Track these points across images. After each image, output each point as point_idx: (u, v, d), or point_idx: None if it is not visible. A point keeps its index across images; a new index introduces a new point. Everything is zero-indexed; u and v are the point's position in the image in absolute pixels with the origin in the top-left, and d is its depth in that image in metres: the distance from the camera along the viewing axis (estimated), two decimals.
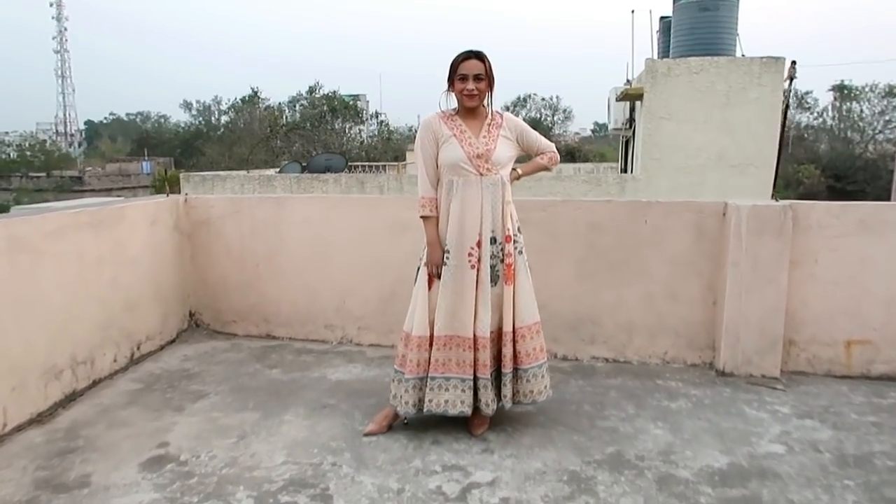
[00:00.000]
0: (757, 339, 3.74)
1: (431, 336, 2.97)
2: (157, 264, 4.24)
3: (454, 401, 2.96)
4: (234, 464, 2.82)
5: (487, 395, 2.99)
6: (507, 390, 3.03)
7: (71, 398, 3.46)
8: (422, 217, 3.00)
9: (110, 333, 3.78)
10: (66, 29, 76.58)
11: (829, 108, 37.63)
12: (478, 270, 2.93)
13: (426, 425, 3.14)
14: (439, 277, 2.96)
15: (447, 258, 2.94)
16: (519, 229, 3.09)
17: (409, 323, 3.05)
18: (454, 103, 3.01)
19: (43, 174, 42.76)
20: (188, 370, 3.95)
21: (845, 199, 5.04)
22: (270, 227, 4.48)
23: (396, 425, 3.14)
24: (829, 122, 38.07)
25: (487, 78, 2.90)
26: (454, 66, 2.90)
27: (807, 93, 36.48)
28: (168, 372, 3.91)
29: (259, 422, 3.23)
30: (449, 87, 2.97)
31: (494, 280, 2.96)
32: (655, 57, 13.96)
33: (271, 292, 4.53)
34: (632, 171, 13.84)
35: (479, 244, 2.93)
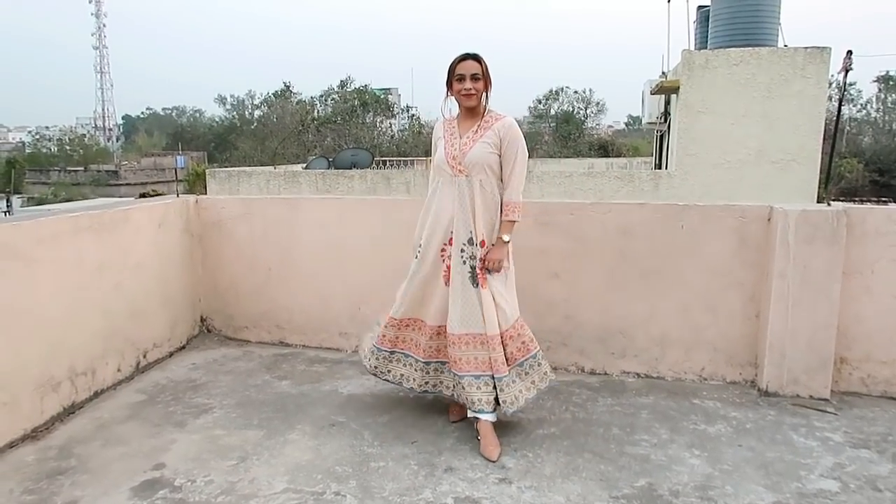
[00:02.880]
0: (805, 357, 3.42)
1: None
2: (165, 268, 4.06)
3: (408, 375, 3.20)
4: (231, 491, 2.61)
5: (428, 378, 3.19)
6: (504, 395, 2.94)
7: (70, 411, 3.30)
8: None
9: (113, 342, 3.61)
10: (104, 25, 78.11)
11: (874, 99, 36.38)
12: (446, 267, 3.01)
13: (440, 449, 2.91)
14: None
15: (418, 252, 3.09)
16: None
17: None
18: (456, 110, 3.09)
19: (81, 168, 43.62)
20: (195, 380, 3.76)
21: (890, 195, 4.65)
22: (283, 229, 4.27)
23: (409, 448, 2.91)
24: (874, 114, 36.85)
25: (484, 78, 2.94)
26: (451, 69, 2.96)
27: (850, 84, 35.27)
28: (174, 382, 3.74)
29: (262, 441, 3.02)
30: (448, 90, 3.02)
31: (462, 281, 2.97)
32: (693, 48, 13.45)
33: (284, 298, 4.33)
34: (666, 167, 13.37)
35: (450, 242, 3.00)
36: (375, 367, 3.26)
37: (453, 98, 3.03)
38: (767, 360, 3.47)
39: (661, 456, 2.87)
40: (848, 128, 35.65)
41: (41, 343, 3.13)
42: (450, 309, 2.99)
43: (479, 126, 3.00)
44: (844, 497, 2.55)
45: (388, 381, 3.27)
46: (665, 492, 2.59)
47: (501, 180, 3.01)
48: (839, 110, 10.82)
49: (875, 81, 35.95)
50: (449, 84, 2.99)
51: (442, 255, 3.03)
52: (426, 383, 3.18)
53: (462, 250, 2.97)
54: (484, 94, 2.98)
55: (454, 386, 3.07)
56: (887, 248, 3.36)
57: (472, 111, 3.01)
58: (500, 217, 3.00)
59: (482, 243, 2.97)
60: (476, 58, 2.94)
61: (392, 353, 3.22)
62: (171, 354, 4.14)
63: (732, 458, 2.85)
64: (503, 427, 3.07)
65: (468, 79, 2.92)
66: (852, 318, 3.45)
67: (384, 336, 3.21)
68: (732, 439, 3.02)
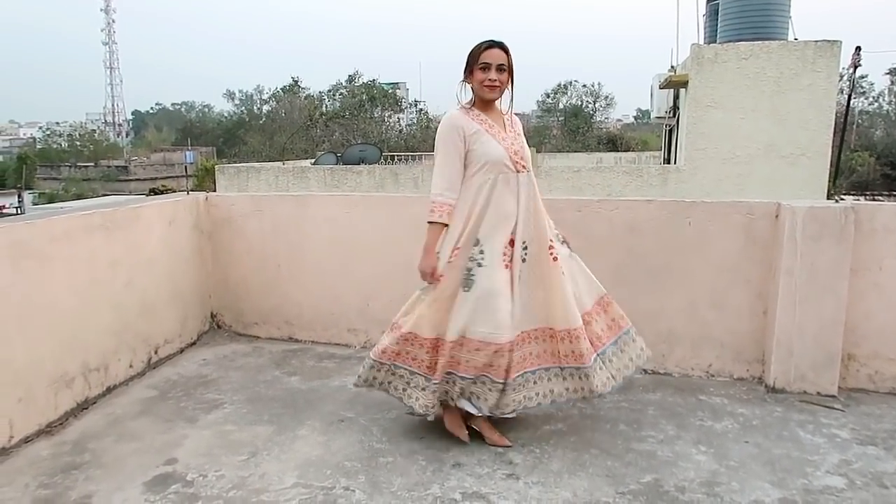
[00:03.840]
0: (812, 353, 3.42)
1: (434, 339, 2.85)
2: (175, 265, 4.10)
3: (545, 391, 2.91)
4: (242, 485, 2.65)
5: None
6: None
7: (83, 406, 3.35)
8: (431, 222, 2.79)
9: (125, 338, 3.66)
10: (113, 21, 78.41)
11: (886, 92, 36.06)
12: (511, 270, 2.78)
13: (448, 445, 2.93)
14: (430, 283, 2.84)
15: (482, 259, 2.75)
16: (557, 236, 2.95)
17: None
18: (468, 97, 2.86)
19: (91, 164, 43.87)
20: (205, 376, 3.81)
21: None
22: (292, 226, 4.30)
23: (417, 444, 2.94)
24: (886, 107, 36.53)
25: (509, 71, 2.76)
26: (475, 55, 2.75)
27: (862, 77, 34.96)
28: (185, 378, 3.78)
29: (272, 437, 3.06)
30: (466, 76, 2.80)
31: (533, 278, 2.82)
32: (702, 42, 13.37)
33: (293, 294, 4.37)
34: (675, 162, 13.33)
35: (511, 244, 2.78)
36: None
37: (469, 87, 2.83)
38: (775, 356, 3.48)
39: (668, 452, 2.89)
40: (859, 121, 35.37)
41: (55, 339, 3.17)
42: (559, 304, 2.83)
43: (509, 120, 2.88)
44: (851, 494, 2.56)
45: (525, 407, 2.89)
46: (671, 488, 2.61)
47: None
48: (847, 107, 10.69)
49: (887, 74, 35.64)
50: (469, 71, 2.78)
51: (504, 258, 2.77)
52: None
53: (525, 249, 2.82)
54: (507, 87, 2.81)
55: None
56: (895, 245, 3.36)
57: (491, 104, 2.85)
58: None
59: (558, 237, 2.92)
60: (504, 47, 2.75)
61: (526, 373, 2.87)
62: (181, 350, 4.19)
63: (739, 454, 2.86)
64: (511, 423, 3.09)
65: (493, 69, 2.73)
66: (860, 314, 3.44)
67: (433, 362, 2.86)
68: (739, 436, 3.03)
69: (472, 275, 2.75)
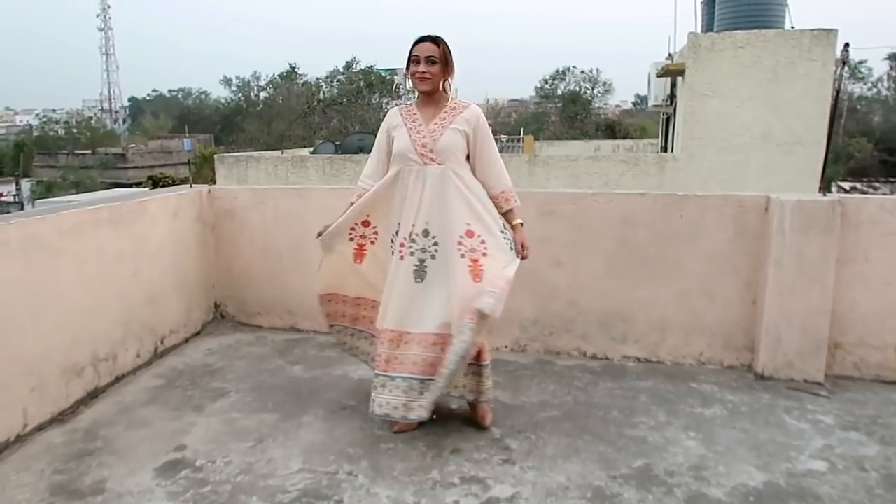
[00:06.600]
0: (799, 342, 3.53)
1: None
2: (180, 257, 4.20)
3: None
4: (250, 470, 2.76)
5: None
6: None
7: (93, 395, 3.46)
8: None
9: (132, 328, 3.76)
10: (109, 7, 77.72)
11: (885, 77, 36.04)
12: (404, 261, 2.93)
13: (447, 431, 3.05)
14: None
15: (392, 246, 3.00)
16: (505, 226, 2.95)
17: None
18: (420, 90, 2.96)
19: (89, 151, 43.75)
20: (210, 365, 3.91)
21: None
22: (294, 218, 4.39)
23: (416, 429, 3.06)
24: (885, 92, 36.51)
25: (441, 62, 2.86)
26: (409, 51, 2.89)
27: (861, 62, 34.94)
28: (190, 367, 3.89)
29: (277, 424, 3.17)
30: (406, 71, 2.94)
31: (419, 276, 2.90)
32: (699, 30, 13.42)
33: (295, 284, 4.46)
34: (672, 151, 13.41)
35: (410, 235, 2.91)
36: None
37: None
38: (763, 344, 3.59)
39: (658, 438, 3.00)
40: (858, 106, 35.36)
41: (65, 330, 3.27)
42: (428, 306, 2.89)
43: (445, 113, 2.92)
44: (832, 477, 2.68)
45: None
46: (661, 472, 2.72)
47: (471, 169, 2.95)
48: (835, 104, 10.68)
49: (886, 59, 35.61)
50: (407, 66, 2.92)
51: (401, 249, 2.92)
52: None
53: (423, 244, 2.89)
54: (444, 80, 2.90)
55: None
56: (881, 237, 3.46)
57: (431, 97, 2.93)
58: (488, 205, 2.91)
59: (468, 233, 2.83)
60: (435, 40, 2.86)
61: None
62: (186, 340, 4.29)
63: (726, 439, 2.98)
64: (508, 410, 3.21)
65: (423, 61, 2.83)
66: (847, 304, 3.55)
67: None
68: (727, 422, 3.15)
69: (364, 251, 3.14)
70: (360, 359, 3.37)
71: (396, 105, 3.04)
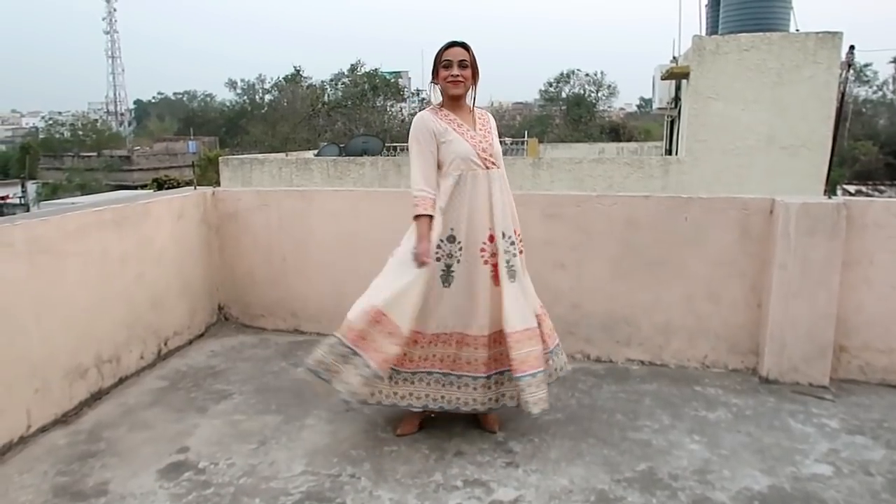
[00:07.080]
0: (805, 345, 3.52)
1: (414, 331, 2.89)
2: (183, 259, 4.20)
3: (466, 399, 2.94)
4: (252, 473, 2.76)
5: (491, 394, 2.98)
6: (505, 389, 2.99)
7: (97, 397, 3.46)
8: (418, 216, 2.85)
9: (136, 330, 3.77)
10: (115, 10, 77.98)
11: (890, 80, 35.94)
12: (492, 266, 2.88)
13: (450, 434, 3.04)
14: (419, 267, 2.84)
15: (459, 254, 2.86)
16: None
17: (386, 304, 2.89)
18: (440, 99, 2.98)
19: (94, 154, 43.86)
20: (214, 367, 3.91)
21: None
22: (298, 220, 4.40)
23: (420, 429, 3.05)
24: (890, 95, 36.41)
25: (471, 67, 2.89)
26: (438, 55, 2.89)
27: (866, 65, 34.84)
28: (194, 369, 3.89)
29: (280, 426, 3.17)
30: (433, 78, 2.94)
31: (512, 275, 2.89)
32: (703, 32, 13.39)
33: (299, 286, 4.47)
34: (676, 153, 13.38)
35: (490, 239, 2.88)
36: (387, 396, 2.96)
37: (437, 88, 2.96)
38: (768, 348, 3.57)
39: (662, 441, 2.99)
40: (863, 109, 35.27)
41: (69, 332, 3.28)
42: (508, 307, 2.86)
43: (477, 118, 2.97)
44: (837, 481, 2.66)
45: (442, 408, 2.95)
46: (665, 475, 2.71)
47: None
48: (840, 107, 10.63)
49: (891, 62, 35.51)
50: (435, 72, 2.92)
51: (482, 254, 2.87)
52: (489, 399, 2.98)
53: (508, 245, 2.90)
54: (473, 85, 2.93)
55: (508, 392, 2.99)
56: (886, 240, 3.45)
57: (459, 102, 2.94)
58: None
59: (516, 232, 2.95)
60: (464, 45, 2.89)
61: (416, 373, 2.95)
62: (190, 342, 4.30)
63: (731, 443, 2.96)
64: (511, 413, 3.20)
65: (455, 65, 2.86)
66: (852, 307, 3.54)
67: (405, 356, 2.92)
68: (732, 425, 3.13)
69: (452, 271, 2.87)
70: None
71: (421, 110, 2.94)
